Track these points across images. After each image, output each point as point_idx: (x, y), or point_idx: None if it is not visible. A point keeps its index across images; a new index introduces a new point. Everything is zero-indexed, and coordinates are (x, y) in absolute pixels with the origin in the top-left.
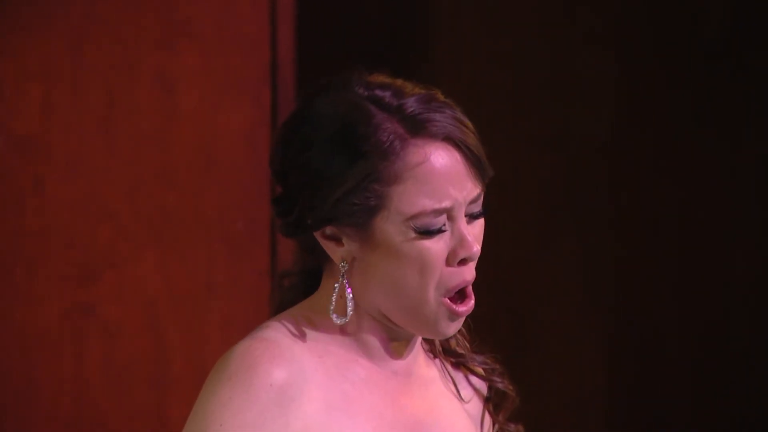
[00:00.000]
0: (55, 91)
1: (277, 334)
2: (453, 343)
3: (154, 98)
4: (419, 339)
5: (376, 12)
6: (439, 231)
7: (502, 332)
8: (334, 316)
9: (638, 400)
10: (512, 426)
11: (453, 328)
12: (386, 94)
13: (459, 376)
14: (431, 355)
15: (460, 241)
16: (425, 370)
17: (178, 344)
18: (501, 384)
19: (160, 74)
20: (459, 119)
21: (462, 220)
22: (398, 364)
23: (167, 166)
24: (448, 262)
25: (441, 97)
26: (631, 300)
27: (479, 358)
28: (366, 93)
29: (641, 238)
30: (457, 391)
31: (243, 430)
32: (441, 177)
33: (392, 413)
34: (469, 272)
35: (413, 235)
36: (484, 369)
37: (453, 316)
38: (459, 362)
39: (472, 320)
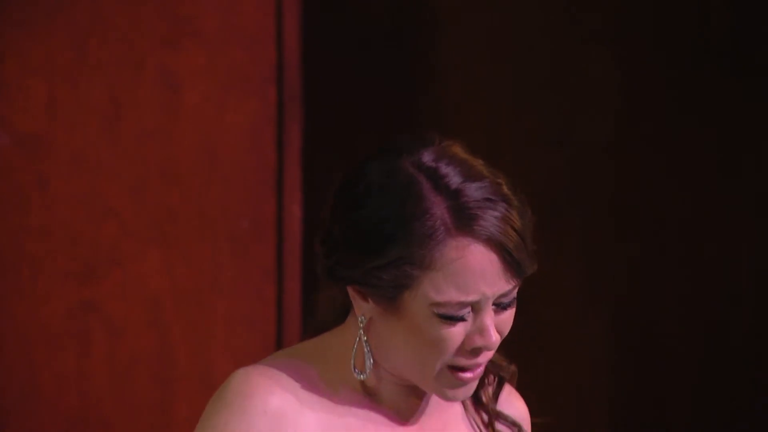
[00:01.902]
0: (59, 89)
1: (279, 363)
2: (482, 396)
3: (158, 96)
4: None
5: (381, 10)
6: (461, 320)
7: None
8: (355, 372)
9: (642, 399)
10: None
11: (460, 394)
12: (450, 172)
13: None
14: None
15: (480, 330)
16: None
17: (183, 342)
18: None
19: (164, 72)
20: (508, 219)
21: (487, 312)
22: (410, 413)
23: (172, 164)
24: (463, 346)
25: (504, 189)
26: (634, 299)
27: (509, 420)
28: (430, 165)
29: (645, 237)
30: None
31: None
32: (473, 274)
33: None
34: (482, 358)
35: (435, 319)
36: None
37: (457, 383)
38: (485, 414)
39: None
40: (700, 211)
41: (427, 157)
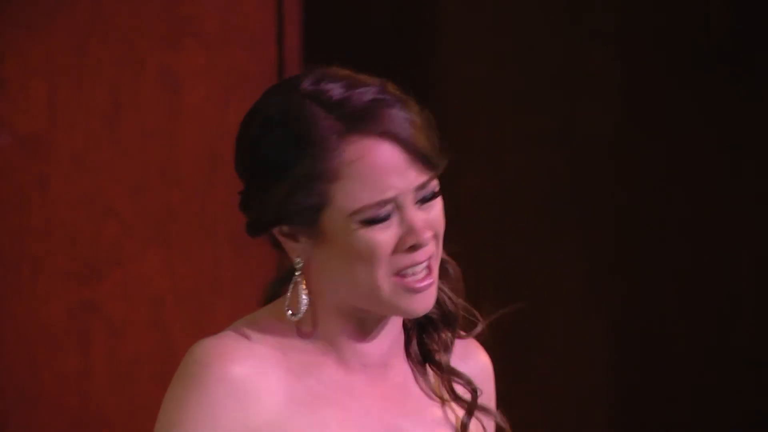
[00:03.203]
0: (60, 89)
1: (237, 333)
2: (435, 351)
3: (159, 96)
4: (394, 327)
5: (382, 9)
6: (385, 219)
7: (506, 330)
8: (288, 313)
9: (642, 399)
10: None
11: (418, 304)
12: (331, 87)
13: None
14: (411, 358)
15: (409, 228)
16: (402, 367)
17: (184, 342)
18: (483, 409)
19: (165, 72)
20: (402, 113)
21: (410, 208)
22: (370, 355)
23: (173, 164)
24: (397, 249)
25: (392, 89)
26: (635, 298)
27: (465, 378)
28: (311, 88)
29: (646, 236)
30: (435, 393)
31: (201, 426)
32: (380, 170)
33: (358, 408)
34: (421, 254)
35: (359, 227)
36: (469, 391)
37: (410, 291)
38: (438, 372)
39: (476, 319)
40: (700, 211)
41: (307, 83)
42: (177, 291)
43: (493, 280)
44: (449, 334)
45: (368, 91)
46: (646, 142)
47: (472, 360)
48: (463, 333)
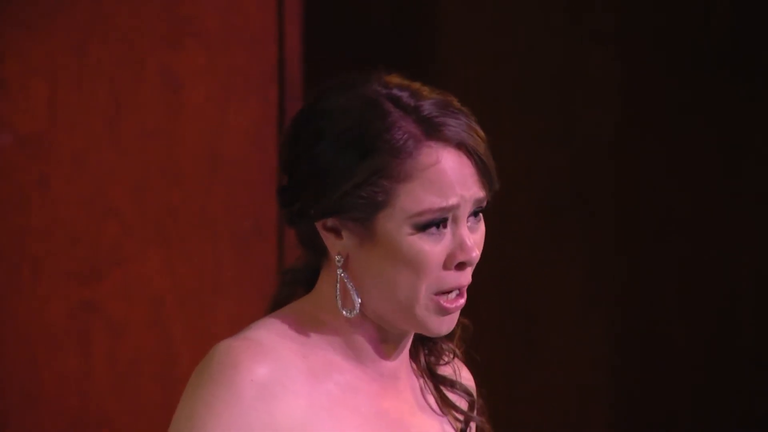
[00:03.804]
0: (61, 89)
1: (260, 334)
2: (436, 364)
3: (160, 96)
4: (409, 342)
5: (382, 9)
6: (441, 225)
7: (507, 331)
8: (344, 312)
9: (642, 398)
10: None
11: (445, 325)
12: (404, 94)
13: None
14: (417, 373)
15: (460, 245)
16: (411, 380)
17: (185, 342)
18: (478, 420)
19: (166, 72)
20: (473, 127)
21: (464, 225)
22: (386, 366)
23: (173, 164)
24: (446, 266)
25: (457, 104)
26: (635, 299)
27: (462, 388)
28: (384, 91)
29: (646, 237)
30: (438, 406)
31: (228, 429)
32: (450, 178)
33: (376, 415)
34: (464, 277)
35: (414, 234)
36: (467, 401)
37: (442, 311)
38: (440, 386)
39: (478, 314)
40: (700, 211)
41: (377, 85)
42: (177, 291)
43: (493, 280)
44: (450, 346)
45: (439, 102)
46: (646, 143)
47: (465, 376)
48: (457, 351)
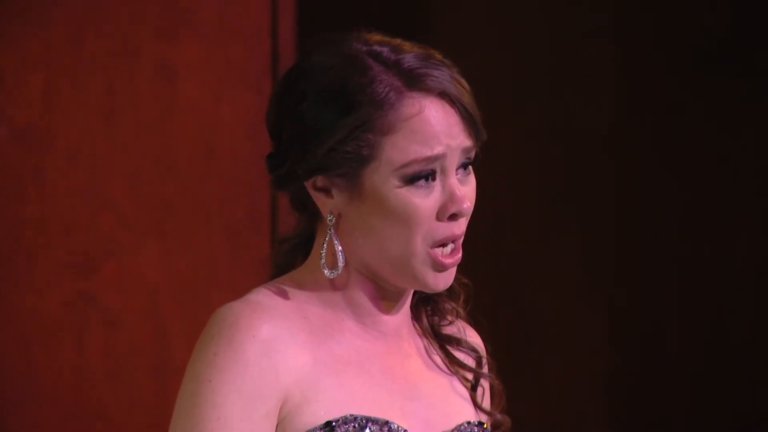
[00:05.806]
0: (56, 81)
1: (259, 297)
2: (440, 323)
3: (154, 88)
4: (409, 299)
5: (377, 2)
6: (429, 178)
7: (504, 322)
8: (325, 270)
9: (641, 398)
10: (499, 416)
11: (442, 280)
12: (384, 49)
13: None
14: (421, 333)
15: (451, 196)
16: (416, 340)
17: (179, 333)
18: (488, 377)
19: (160, 64)
20: (455, 78)
21: (453, 176)
22: (387, 324)
23: (168, 156)
24: (438, 217)
25: (439, 56)
26: (631, 291)
27: (468, 346)
28: (364, 48)
29: (642, 229)
30: (445, 365)
31: (232, 384)
32: (434, 127)
33: (379, 371)
34: (457, 227)
35: (402, 186)
36: (474, 358)
37: (439, 267)
38: (445, 345)
39: (475, 309)
40: (700, 210)
41: (358, 43)
42: (172, 282)
43: (492, 272)
44: (453, 305)
45: (421, 55)
46: (643, 139)
47: (470, 334)
48: (461, 311)
